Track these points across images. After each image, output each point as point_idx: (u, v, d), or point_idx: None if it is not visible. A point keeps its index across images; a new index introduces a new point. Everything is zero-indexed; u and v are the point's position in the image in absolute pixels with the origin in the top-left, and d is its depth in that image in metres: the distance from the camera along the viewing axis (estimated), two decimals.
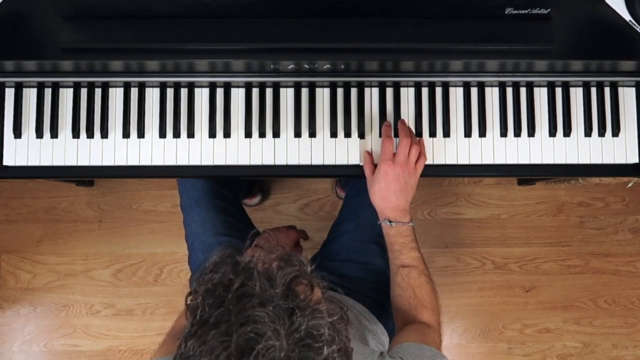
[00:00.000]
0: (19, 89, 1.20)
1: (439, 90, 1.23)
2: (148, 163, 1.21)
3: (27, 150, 1.20)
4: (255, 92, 1.22)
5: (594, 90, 1.23)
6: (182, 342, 0.73)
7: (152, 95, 1.21)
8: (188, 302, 0.77)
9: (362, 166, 1.20)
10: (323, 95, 1.23)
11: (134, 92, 1.21)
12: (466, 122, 1.23)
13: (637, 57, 1.17)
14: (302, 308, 0.72)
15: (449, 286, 2.06)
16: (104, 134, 1.20)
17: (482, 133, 1.23)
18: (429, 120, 1.23)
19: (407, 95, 1.23)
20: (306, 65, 1.14)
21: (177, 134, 1.21)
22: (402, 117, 1.22)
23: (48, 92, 1.20)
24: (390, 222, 1.14)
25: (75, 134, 1.20)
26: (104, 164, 1.20)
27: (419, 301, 1.13)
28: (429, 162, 1.22)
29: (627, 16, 1.16)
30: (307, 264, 0.79)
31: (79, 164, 1.20)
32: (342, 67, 1.15)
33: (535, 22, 1.11)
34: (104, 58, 1.12)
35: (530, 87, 1.23)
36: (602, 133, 1.23)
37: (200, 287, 0.76)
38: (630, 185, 1.68)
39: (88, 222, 2.05)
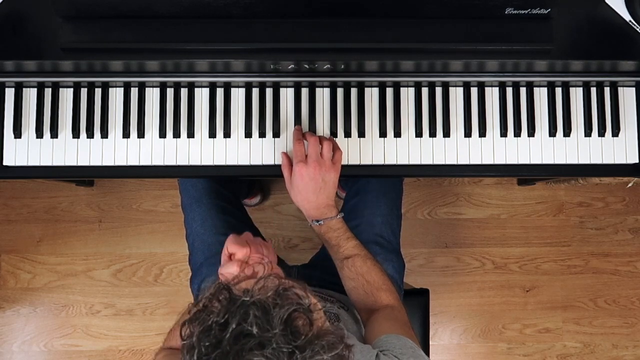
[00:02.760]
0: (19, 89, 1.20)
1: (439, 90, 1.23)
2: (148, 163, 1.21)
3: (27, 150, 1.20)
4: (255, 92, 1.22)
5: (594, 90, 1.23)
6: None
7: (152, 95, 1.21)
8: (183, 339, 0.75)
9: (360, 165, 1.20)
10: (323, 95, 1.23)
11: (134, 92, 1.21)
12: (466, 122, 1.23)
13: (637, 57, 1.17)
14: (301, 349, 0.70)
15: (449, 286, 2.07)
16: (104, 134, 1.20)
17: (482, 133, 1.23)
18: (429, 120, 1.23)
19: (407, 95, 1.23)
20: (306, 65, 1.14)
21: (177, 134, 1.21)
22: (402, 116, 1.22)
23: (48, 92, 1.20)
24: (317, 221, 1.15)
25: (75, 134, 1.20)
26: (104, 164, 1.20)
27: (372, 286, 1.14)
28: (429, 162, 1.22)
29: (627, 16, 1.17)
30: (305, 297, 0.76)
31: (79, 164, 1.20)
32: (342, 67, 1.15)
33: (535, 22, 1.11)
34: (104, 58, 1.12)
35: (530, 87, 1.23)
36: (602, 133, 1.23)
37: (196, 327, 0.74)
38: (630, 185, 1.68)
39: (88, 222, 2.05)
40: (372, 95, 1.23)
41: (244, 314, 0.72)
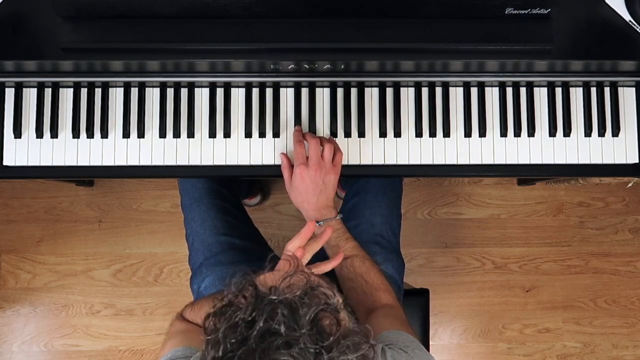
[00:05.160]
0: (19, 89, 1.20)
1: (439, 90, 1.23)
2: (148, 163, 1.21)
3: (27, 150, 1.20)
4: (255, 92, 1.22)
5: (594, 90, 1.23)
6: None
7: (152, 95, 1.21)
8: (207, 334, 0.75)
9: (360, 165, 1.20)
10: (323, 95, 1.23)
11: (134, 92, 1.21)
12: (466, 122, 1.23)
13: (637, 57, 1.17)
14: (328, 349, 0.70)
15: (449, 286, 2.07)
16: (104, 134, 1.20)
17: (482, 133, 1.23)
18: (429, 120, 1.23)
19: (407, 95, 1.23)
20: (306, 65, 1.14)
21: (177, 134, 1.21)
22: (402, 116, 1.22)
23: (48, 92, 1.20)
24: (317, 222, 1.15)
25: (75, 134, 1.20)
26: (104, 164, 1.20)
27: (371, 286, 1.14)
28: (429, 162, 1.22)
29: (627, 16, 1.16)
30: (332, 296, 0.76)
31: (79, 164, 1.20)
32: (342, 67, 1.15)
33: (535, 22, 1.11)
34: (104, 58, 1.12)
35: (530, 87, 1.23)
36: (602, 133, 1.23)
37: (221, 322, 0.73)
38: (630, 185, 1.68)
39: (88, 222, 2.05)
40: (372, 95, 1.23)
41: (271, 312, 0.71)
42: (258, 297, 0.74)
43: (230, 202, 1.41)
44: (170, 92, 1.21)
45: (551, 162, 1.23)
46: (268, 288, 0.75)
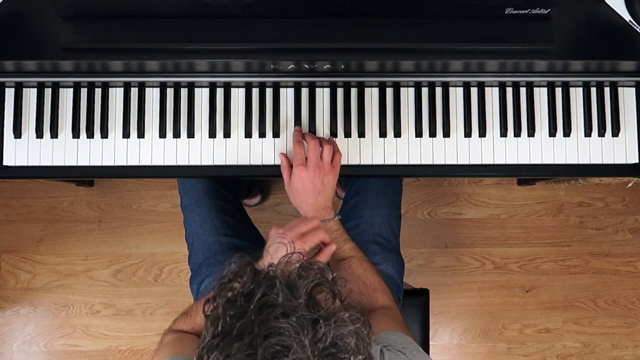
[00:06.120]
0: (19, 89, 1.20)
1: (439, 90, 1.23)
2: (148, 163, 1.21)
3: (27, 150, 1.20)
4: (255, 92, 1.22)
5: (594, 90, 1.23)
6: (203, 353, 0.72)
7: (152, 95, 1.21)
8: (207, 313, 0.76)
9: (360, 165, 1.20)
10: (323, 95, 1.23)
11: (134, 92, 1.21)
12: (466, 122, 1.23)
13: (637, 57, 1.17)
14: (325, 318, 0.71)
15: (449, 286, 2.06)
16: (104, 134, 1.20)
17: (482, 133, 1.23)
18: (429, 120, 1.23)
19: (407, 95, 1.23)
20: (306, 65, 1.14)
21: (177, 134, 1.21)
22: (401, 116, 1.22)
23: (48, 92, 1.20)
24: None
25: (75, 134, 1.20)
26: (104, 164, 1.20)
27: (369, 287, 1.14)
28: (429, 162, 1.22)
29: (627, 16, 1.17)
30: (328, 271, 0.78)
31: (79, 164, 1.20)
32: (342, 67, 1.15)
33: (535, 22, 1.11)
34: (104, 58, 1.12)
35: (530, 87, 1.23)
36: (602, 133, 1.23)
37: (221, 298, 0.75)
38: (630, 185, 1.68)
39: (88, 222, 2.05)
40: (372, 95, 1.23)
41: (269, 285, 0.73)
42: (256, 272, 0.76)
43: (230, 202, 1.41)
44: (170, 92, 1.21)
45: (551, 162, 1.23)
46: (266, 265, 0.78)
